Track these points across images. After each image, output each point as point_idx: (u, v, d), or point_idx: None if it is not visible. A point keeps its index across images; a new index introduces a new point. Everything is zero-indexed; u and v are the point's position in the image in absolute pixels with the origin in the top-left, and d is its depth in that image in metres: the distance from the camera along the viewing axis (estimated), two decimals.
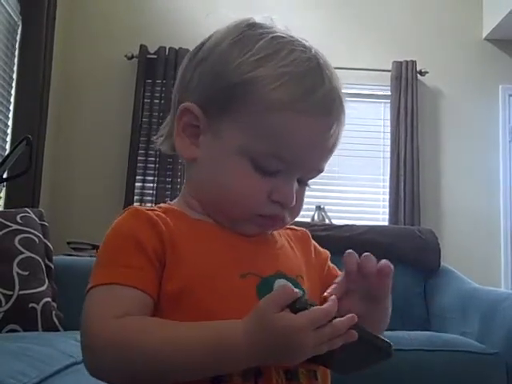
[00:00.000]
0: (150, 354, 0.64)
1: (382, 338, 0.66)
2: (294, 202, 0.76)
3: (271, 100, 0.72)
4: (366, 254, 0.72)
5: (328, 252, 0.88)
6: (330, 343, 0.62)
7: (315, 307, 0.62)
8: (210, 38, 0.80)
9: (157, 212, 0.76)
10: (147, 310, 0.70)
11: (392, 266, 0.72)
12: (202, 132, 0.77)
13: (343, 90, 0.79)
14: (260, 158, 0.73)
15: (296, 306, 0.62)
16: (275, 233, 0.83)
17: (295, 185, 0.77)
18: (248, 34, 0.76)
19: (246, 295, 0.71)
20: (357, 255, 0.72)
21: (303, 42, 0.77)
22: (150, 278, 0.71)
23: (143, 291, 0.70)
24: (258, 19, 0.79)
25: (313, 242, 0.88)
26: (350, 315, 0.63)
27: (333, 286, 0.74)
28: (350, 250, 0.72)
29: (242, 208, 0.75)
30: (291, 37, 0.77)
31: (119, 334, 0.66)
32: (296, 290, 0.64)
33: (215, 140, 0.76)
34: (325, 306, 0.63)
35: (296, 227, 0.89)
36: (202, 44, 0.80)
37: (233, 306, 0.69)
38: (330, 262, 0.87)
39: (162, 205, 0.81)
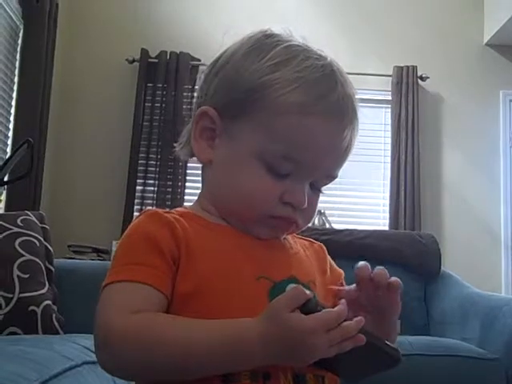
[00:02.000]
0: (167, 349, 0.65)
1: (390, 344, 0.67)
2: (306, 205, 0.77)
3: (285, 103, 0.74)
4: (379, 267, 0.74)
5: (342, 271, 0.89)
6: (340, 346, 0.63)
7: (327, 309, 0.63)
8: (228, 48, 0.82)
9: (174, 215, 0.77)
10: (160, 307, 0.71)
11: (401, 283, 0.74)
12: (217, 135, 0.79)
13: (357, 98, 0.80)
14: (273, 160, 0.75)
15: (307, 308, 0.63)
16: (290, 240, 0.84)
17: (307, 188, 0.78)
18: (264, 42, 0.79)
19: (258, 298, 0.72)
20: (369, 266, 0.74)
21: (319, 51, 0.79)
22: (165, 278, 0.72)
23: (159, 290, 0.71)
24: (275, 30, 0.81)
25: (329, 258, 0.89)
26: (357, 318, 0.64)
27: (344, 289, 0.77)
28: (363, 262, 0.74)
29: (254, 209, 0.76)
30: (307, 46, 0.79)
31: (137, 329, 0.66)
32: (308, 291, 0.65)
33: (230, 143, 0.78)
34: (336, 308, 0.64)
35: (313, 240, 0.90)
36: (221, 55, 0.83)
37: (243, 308, 0.70)
38: (343, 281, 0.88)
39: (178, 208, 0.82)
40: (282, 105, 0.74)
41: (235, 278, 0.73)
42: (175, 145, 0.87)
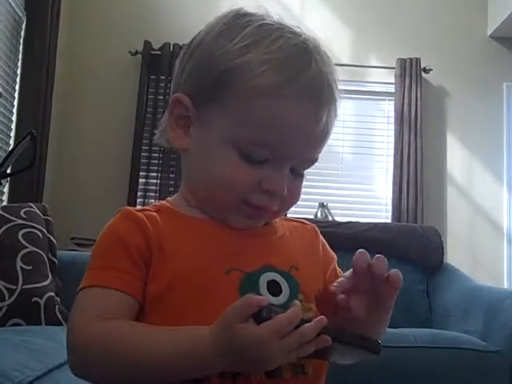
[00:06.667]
0: (126, 358, 0.65)
1: (366, 336, 0.64)
2: (286, 192, 0.75)
3: (255, 86, 0.71)
4: (378, 255, 0.70)
5: (335, 256, 0.87)
6: (300, 350, 0.61)
7: (277, 316, 0.60)
8: (201, 30, 0.80)
9: (148, 212, 0.77)
10: (131, 312, 0.71)
11: (401, 277, 0.69)
12: (192, 122, 0.77)
13: (336, 77, 0.76)
14: (245, 145, 0.72)
15: (260, 316, 0.60)
16: (277, 223, 0.83)
17: (287, 174, 0.75)
18: (235, 23, 0.76)
19: (228, 292, 0.70)
20: (368, 255, 0.70)
21: (294, 28, 0.76)
22: (135, 281, 0.71)
23: (127, 294, 0.71)
24: (249, 9, 0.78)
25: (322, 238, 0.87)
26: (317, 318, 0.61)
27: (339, 279, 0.72)
28: (362, 250, 0.70)
29: (228, 194, 0.74)
30: (281, 24, 0.76)
31: (99, 338, 0.67)
32: (262, 297, 0.62)
33: (203, 129, 0.76)
34: (287, 313, 0.61)
35: (306, 221, 0.88)
36: (194, 38, 0.80)
37: (214, 303, 0.68)
38: (336, 265, 0.85)
39: (157, 203, 0.82)
40: (252, 88, 0.71)
41: (205, 276, 0.72)
42: (155, 132, 0.86)
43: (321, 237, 0.87)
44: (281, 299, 0.73)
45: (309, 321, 0.61)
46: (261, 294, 0.71)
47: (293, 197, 0.78)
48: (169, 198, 0.83)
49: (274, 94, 0.71)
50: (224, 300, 0.65)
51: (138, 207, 0.79)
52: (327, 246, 0.87)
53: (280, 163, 0.74)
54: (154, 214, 0.76)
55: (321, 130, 0.74)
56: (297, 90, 0.71)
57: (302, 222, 0.88)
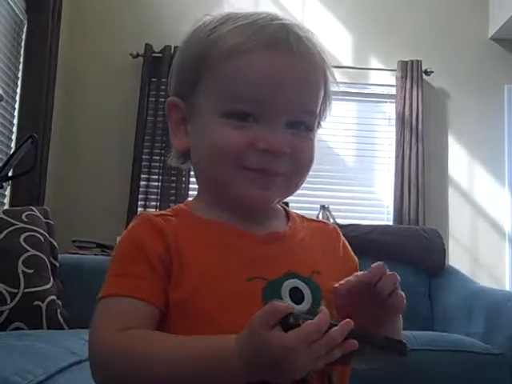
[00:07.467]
0: (149, 370, 0.65)
1: (391, 338, 0.63)
2: (286, 149, 0.74)
3: (223, 52, 0.74)
4: (392, 272, 0.70)
5: (357, 259, 0.86)
6: (328, 356, 0.60)
7: (306, 323, 0.59)
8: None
9: (167, 217, 0.76)
10: (152, 321, 0.70)
11: (404, 304, 0.70)
12: (188, 121, 0.79)
13: (309, 35, 0.78)
14: (230, 107, 0.74)
15: (288, 323, 0.59)
16: (297, 223, 0.82)
17: (282, 130, 0.75)
18: (207, 18, 0.81)
19: (252, 300, 0.70)
20: (385, 268, 0.70)
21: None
22: (155, 289, 0.71)
23: (148, 302, 0.70)
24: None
25: (344, 240, 0.86)
26: (343, 322, 0.60)
27: (347, 278, 0.71)
28: (380, 262, 0.70)
29: (224, 163, 0.74)
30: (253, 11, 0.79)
31: (119, 349, 0.67)
32: (288, 304, 0.62)
33: (196, 119, 0.78)
34: (315, 319, 0.60)
35: (328, 222, 0.88)
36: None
37: (238, 312, 0.68)
38: (358, 270, 0.83)
39: (176, 206, 0.82)
40: (222, 54, 0.74)
41: (227, 282, 0.71)
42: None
43: (342, 239, 0.86)
44: (303, 307, 0.72)
45: (336, 325, 0.60)
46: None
47: (302, 156, 0.77)
48: (188, 200, 0.84)
49: (239, 50, 0.73)
50: (248, 309, 0.63)
51: (157, 212, 0.79)
52: (349, 248, 0.86)
53: (269, 118, 0.74)
54: (173, 218, 0.76)
55: (297, 78, 0.75)
56: (260, 41, 0.73)
57: (323, 223, 0.88)
